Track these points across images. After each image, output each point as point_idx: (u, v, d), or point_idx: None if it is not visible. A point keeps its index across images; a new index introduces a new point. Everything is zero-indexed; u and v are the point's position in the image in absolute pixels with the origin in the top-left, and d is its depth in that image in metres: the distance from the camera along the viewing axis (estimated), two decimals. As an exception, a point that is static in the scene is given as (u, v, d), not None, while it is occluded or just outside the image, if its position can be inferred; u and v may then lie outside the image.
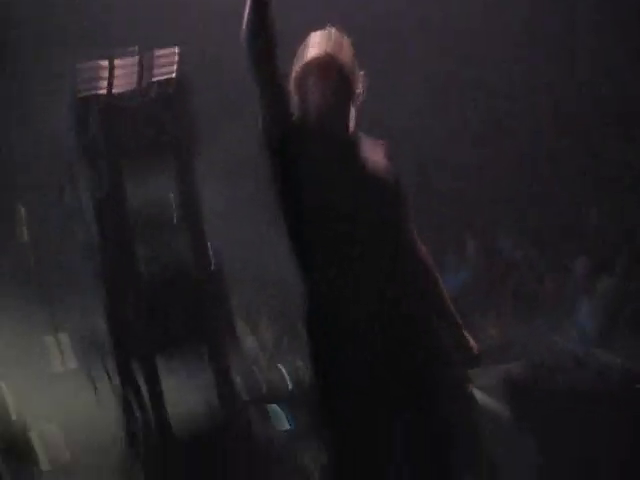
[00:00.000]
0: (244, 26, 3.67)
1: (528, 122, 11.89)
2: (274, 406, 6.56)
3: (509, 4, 10.98)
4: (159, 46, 5.74)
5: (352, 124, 3.92)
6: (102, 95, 5.58)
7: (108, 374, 5.51)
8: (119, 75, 5.60)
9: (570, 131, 11.50)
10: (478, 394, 6.60)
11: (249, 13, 3.64)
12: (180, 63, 5.66)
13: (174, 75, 5.58)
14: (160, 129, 5.52)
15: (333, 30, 3.95)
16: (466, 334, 4.03)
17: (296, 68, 3.91)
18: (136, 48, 5.72)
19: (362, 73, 3.94)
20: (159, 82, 5.57)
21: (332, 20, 3.95)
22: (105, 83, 5.59)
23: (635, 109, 11.01)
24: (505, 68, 11.99)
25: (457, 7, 11.08)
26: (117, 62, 5.62)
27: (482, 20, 11.23)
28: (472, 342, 4.03)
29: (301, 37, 3.96)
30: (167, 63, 5.60)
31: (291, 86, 3.87)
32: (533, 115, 11.90)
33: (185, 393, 7.53)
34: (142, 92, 5.58)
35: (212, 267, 5.62)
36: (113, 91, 5.59)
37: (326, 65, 3.86)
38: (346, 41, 3.94)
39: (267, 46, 3.67)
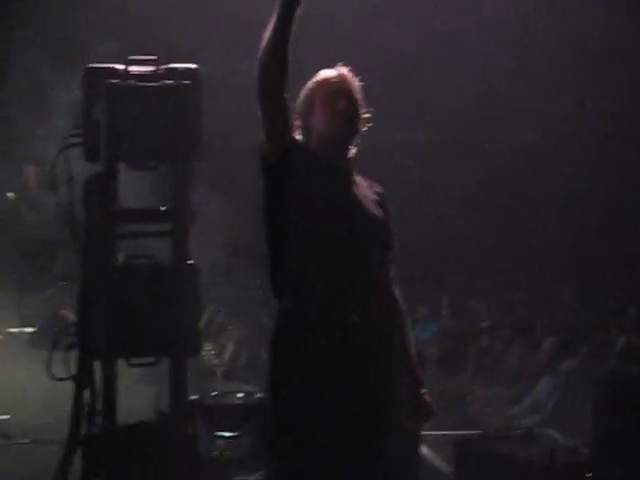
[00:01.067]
0: (264, 42, 3.66)
1: (515, 192, 11.91)
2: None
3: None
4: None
5: (351, 154, 3.91)
6: (115, 69, 5.37)
7: (67, 369, 5.40)
8: (136, 63, 5.43)
9: (554, 206, 11.53)
10: (426, 451, 6.60)
11: (273, 30, 3.64)
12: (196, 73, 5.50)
13: (194, 67, 5.41)
14: (169, 118, 5.26)
15: (345, 69, 3.95)
16: (423, 387, 3.98)
17: (306, 88, 3.91)
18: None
19: (369, 112, 3.93)
20: (177, 70, 5.35)
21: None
22: (121, 64, 5.41)
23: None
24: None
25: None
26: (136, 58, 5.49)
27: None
28: (428, 396, 3.99)
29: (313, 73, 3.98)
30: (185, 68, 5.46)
31: (298, 106, 3.87)
32: (521, 184, 11.91)
33: (137, 397, 7.52)
34: (158, 76, 5.33)
35: (189, 265, 5.47)
36: (128, 69, 5.37)
37: (337, 86, 3.86)
38: (356, 79, 3.94)
39: (282, 65, 3.67)
